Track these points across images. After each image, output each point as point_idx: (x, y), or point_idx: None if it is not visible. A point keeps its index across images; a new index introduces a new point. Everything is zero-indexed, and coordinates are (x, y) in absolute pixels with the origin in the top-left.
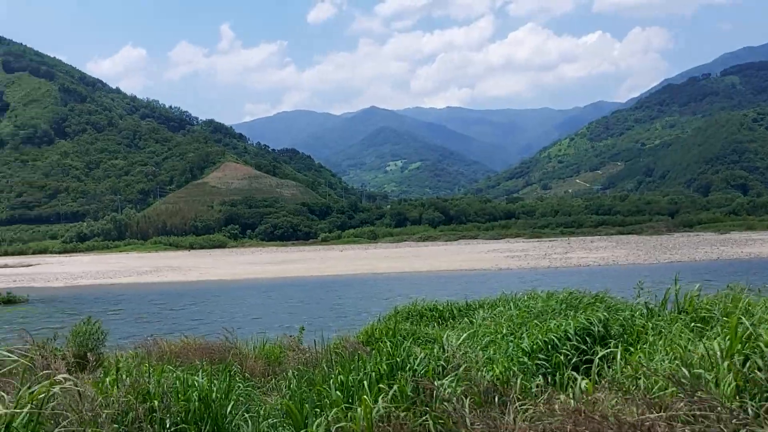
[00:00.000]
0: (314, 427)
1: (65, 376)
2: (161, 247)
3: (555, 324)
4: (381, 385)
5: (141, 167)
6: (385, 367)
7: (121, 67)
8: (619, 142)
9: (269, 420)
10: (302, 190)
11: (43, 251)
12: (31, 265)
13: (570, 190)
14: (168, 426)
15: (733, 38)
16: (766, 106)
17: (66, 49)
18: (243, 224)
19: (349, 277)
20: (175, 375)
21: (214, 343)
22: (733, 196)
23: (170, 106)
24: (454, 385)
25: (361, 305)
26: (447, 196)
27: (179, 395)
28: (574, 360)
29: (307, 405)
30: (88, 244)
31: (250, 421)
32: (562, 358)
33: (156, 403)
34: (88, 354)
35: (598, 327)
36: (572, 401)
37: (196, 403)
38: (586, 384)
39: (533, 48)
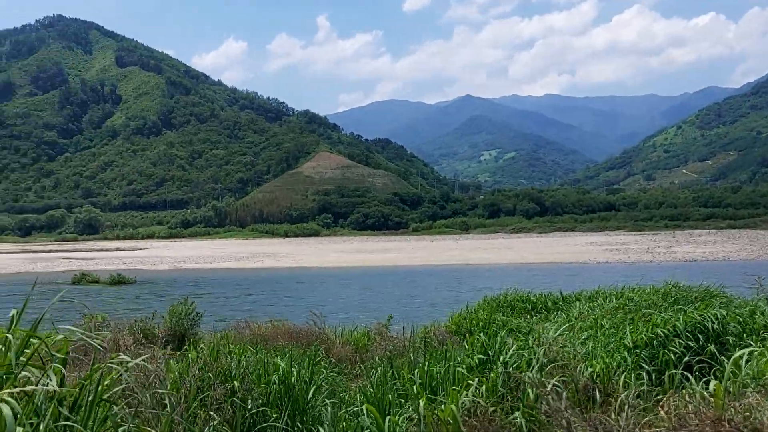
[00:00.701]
0: (397, 417)
1: (122, 358)
2: (258, 235)
3: (661, 319)
4: (469, 380)
5: (240, 157)
6: (476, 359)
7: (224, 60)
8: (732, 130)
9: (352, 407)
10: (394, 180)
11: (151, 236)
12: (139, 249)
13: (676, 182)
14: (250, 407)
15: None
16: None
17: (173, 43)
18: (335, 213)
19: (439, 267)
20: (257, 357)
21: (302, 328)
22: None
23: (268, 98)
24: (541, 375)
25: (449, 295)
26: (543, 187)
27: (261, 377)
28: (686, 359)
29: (390, 394)
30: (190, 230)
31: (331, 407)
32: (671, 356)
33: (236, 383)
34: (186, 333)
35: (713, 323)
36: (690, 404)
37: (277, 386)
38: (715, 386)
39: (639, 31)
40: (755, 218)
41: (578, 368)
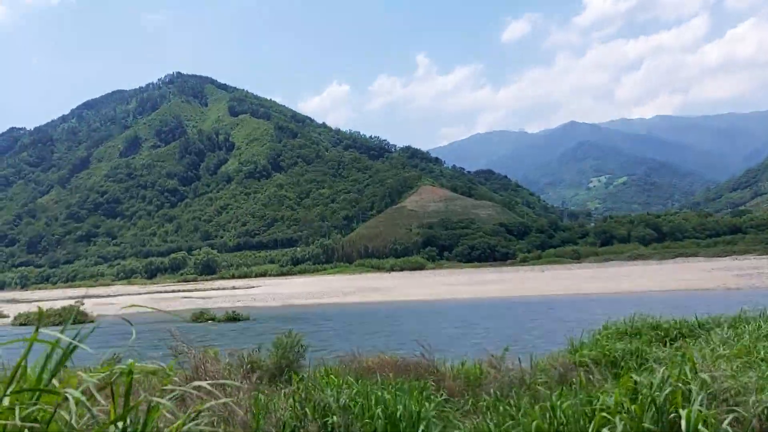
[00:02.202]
0: None
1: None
2: (364, 270)
3: None
4: (604, 414)
5: (345, 195)
6: (611, 394)
7: (328, 103)
8: None
9: None
10: (499, 210)
11: (263, 274)
12: (252, 287)
13: None
14: None
15: None
16: None
17: (281, 90)
18: (440, 246)
19: (553, 297)
20: (355, 390)
21: (410, 361)
22: None
23: (370, 136)
24: (706, 411)
25: (566, 325)
26: (659, 212)
27: (363, 410)
28: None
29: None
30: (300, 267)
31: None
32: None
33: (335, 419)
34: (291, 365)
35: None
36: None
37: (382, 420)
38: None
39: (757, 44)
40: None
41: (750, 401)
